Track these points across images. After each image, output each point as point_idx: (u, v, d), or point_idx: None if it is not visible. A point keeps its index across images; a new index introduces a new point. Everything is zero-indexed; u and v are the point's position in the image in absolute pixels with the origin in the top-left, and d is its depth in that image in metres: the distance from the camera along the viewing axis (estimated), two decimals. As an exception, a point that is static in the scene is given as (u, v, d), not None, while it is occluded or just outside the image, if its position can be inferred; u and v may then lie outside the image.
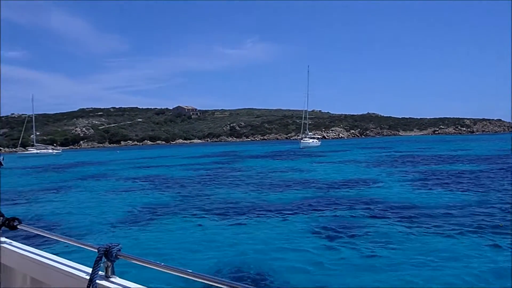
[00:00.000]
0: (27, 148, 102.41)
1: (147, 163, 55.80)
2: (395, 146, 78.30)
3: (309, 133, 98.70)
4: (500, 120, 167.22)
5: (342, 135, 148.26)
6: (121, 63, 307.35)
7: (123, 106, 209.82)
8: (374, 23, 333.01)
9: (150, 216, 18.10)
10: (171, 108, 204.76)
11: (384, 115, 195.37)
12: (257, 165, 45.58)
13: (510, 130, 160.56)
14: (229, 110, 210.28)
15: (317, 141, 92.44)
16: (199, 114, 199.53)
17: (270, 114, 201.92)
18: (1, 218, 3.17)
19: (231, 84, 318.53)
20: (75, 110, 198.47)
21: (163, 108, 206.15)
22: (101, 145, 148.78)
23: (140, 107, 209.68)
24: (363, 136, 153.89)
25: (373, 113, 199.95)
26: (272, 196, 22.81)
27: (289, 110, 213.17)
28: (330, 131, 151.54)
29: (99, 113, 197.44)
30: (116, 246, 2.25)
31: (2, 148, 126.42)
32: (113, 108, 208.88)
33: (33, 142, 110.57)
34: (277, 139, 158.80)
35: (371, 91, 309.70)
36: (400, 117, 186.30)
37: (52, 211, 20.98)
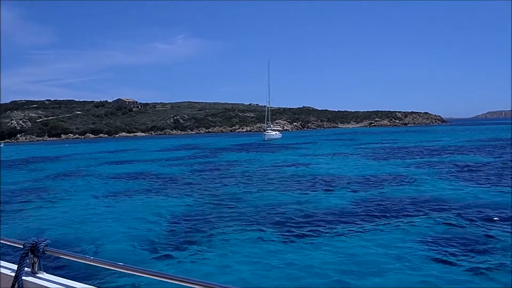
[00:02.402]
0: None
1: (118, 157, 48.86)
2: (358, 138, 75.80)
3: (271, 126, 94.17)
4: (427, 113, 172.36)
5: (287, 128, 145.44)
6: (46, 56, 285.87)
7: (58, 99, 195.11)
8: (311, 20, 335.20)
9: (195, 232, 13.28)
10: (110, 100, 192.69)
11: (319, 109, 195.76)
12: (246, 159, 40.73)
13: (438, 122, 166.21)
14: (169, 103, 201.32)
15: (279, 133, 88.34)
16: (140, 107, 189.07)
17: (211, 107, 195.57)
18: None
19: (165, 78, 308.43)
20: (7, 102, 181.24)
21: (102, 101, 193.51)
22: (41, 138, 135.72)
23: (76, 100, 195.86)
24: (305, 128, 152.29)
25: (309, 107, 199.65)
26: (321, 199, 18.16)
27: (228, 104, 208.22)
28: (275, 124, 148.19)
29: (34, 105, 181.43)
30: (43, 241, 2.12)
31: None
32: (48, 100, 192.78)
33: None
34: (222, 131, 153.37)
35: (305, 85, 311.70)
36: (335, 110, 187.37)
37: (63, 223, 15.18)
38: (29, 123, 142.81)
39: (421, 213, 14.38)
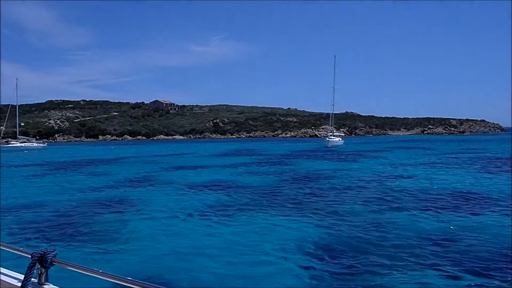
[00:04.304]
0: (8, 140, 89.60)
1: (178, 162, 46.37)
2: (430, 147, 71.39)
3: (334, 131, 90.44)
4: (484, 120, 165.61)
5: (328, 134, 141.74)
6: (85, 56, 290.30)
7: (93, 99, 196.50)
8: (350, 22, 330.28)
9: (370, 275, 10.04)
10: (147, 102, 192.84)
11: (364, 114, 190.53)
12: (329, 168, 37.43)
13: (497, 130, 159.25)
14: (206, 106, 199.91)
15: (341, 140, 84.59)
16: (177, 109, 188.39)
17: (250, 111, 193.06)
18: None
19: (201, 80, 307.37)
20: (43, 101, 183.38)
21: (138, 102, 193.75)
22: (78, 139, 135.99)
23: (112, 101, 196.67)
24: (352, 135, 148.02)
25: (353, 112, 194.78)
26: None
27: (267, 107, 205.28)
28: (321, 129, 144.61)
29: (69, 105, 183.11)
30: (52, 252, 2.13)
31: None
32: (83, 100, 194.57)
33: (8, 134, 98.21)
34: (264, 136, 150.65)
35: (348, 90, 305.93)
36: (382, 116, 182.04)
37: (157, 257, 12.10)
38: (66, 123, 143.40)
39: None
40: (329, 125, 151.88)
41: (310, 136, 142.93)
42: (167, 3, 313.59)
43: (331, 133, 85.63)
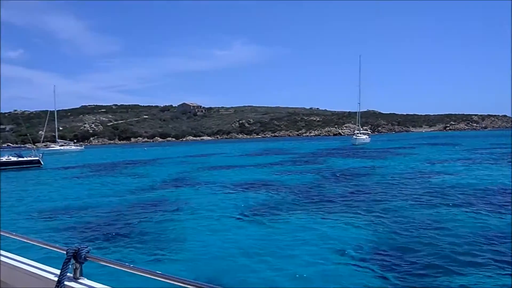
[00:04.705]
0: (47, 144, 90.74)
1: (213, 162, 45.81)
2: (458, 142, 69.30)
3: (361, 129, 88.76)
4: (505, 115, 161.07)
5: (355, 132, 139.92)
6: (113, 63, 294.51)
7: (124, 104, 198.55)
8: (371, 19, 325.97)
9: None
10: (174, 105, 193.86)
11: (384, 112, 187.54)
12: (363, 166, 36.31)
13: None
14: (232, 107, 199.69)
15: (368, 137, 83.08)
16: (204, 111, 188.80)
17: (274, 111, 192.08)
18: None
19: (225, 83, 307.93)
20: (77, 107, 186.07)
21: (167, 105, 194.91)
22: (112, 141, 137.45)
23: (142, 104, 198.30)
24: (375, 132, 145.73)
25: (374, 110, 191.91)
26: None
27: (290, 108, 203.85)
28: (345, 128, 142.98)
29: (102, 110, 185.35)
30: (85, 248, 2.16)
31: (11, 144, 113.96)
32: (115, 105, 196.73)
33: (40, 138, 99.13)
34: (288, 135, 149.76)
35: (368, 88, 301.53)
36: (403, 113, 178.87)
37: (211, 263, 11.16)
38: (100, 127, 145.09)
39: None
40: (351, 124, 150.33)
41: (334, 135, 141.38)
42: (189, 12, 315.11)
43: (357, 131, 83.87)
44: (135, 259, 11.17)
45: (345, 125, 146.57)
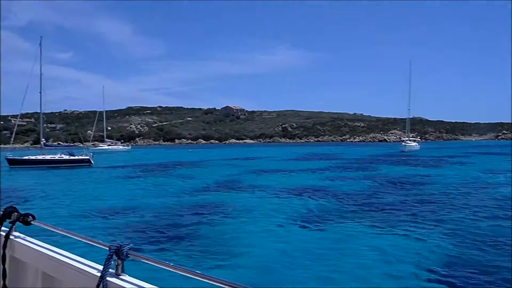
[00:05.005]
0: (95, 144, 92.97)
1: (260, 166, 45.07)
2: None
3: (410, 136, 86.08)
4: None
5: (404, 138, 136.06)
6: (158, 66, 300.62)
7: (168, 105, 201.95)
8: (417, 24, 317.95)
9: None
10: (218, 108, 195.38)
11: (431, 119, 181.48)
12: (422, 174, 34.51)
13: None
14: (274, 111, 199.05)
15: (417, 144, 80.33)
16: (246, 114, 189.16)
17: (316, 115, 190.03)
18: (16, 214, 3.07)
19: (268, 87, 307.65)
20: (123, 108, 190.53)
21: (210, 108, 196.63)
22: (157, 142, 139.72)
23: (185, 107, 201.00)
24: (422, 140, 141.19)
25: (419, 117, 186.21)
26: None
27: (333, 112, 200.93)
28: (390, 134, 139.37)
29: (147, 111, 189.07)
30: (127, 245, 2.17)
31: (61, 143, 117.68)
32: (160, 107, 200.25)
33: (89, 138, 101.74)
34: (332, 141, 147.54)
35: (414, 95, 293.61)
36: (451, 121, 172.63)
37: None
38: (146, 128, 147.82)
39: None
40: (397, 130, 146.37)
41: (379, 141, 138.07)
42: (232, 17, 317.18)
43: (406, 138, 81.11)
44: (184, 262, 10.72)
45: (391, 131, 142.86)
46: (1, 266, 3.10)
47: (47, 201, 22.27)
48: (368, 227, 14.93)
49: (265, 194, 23.96)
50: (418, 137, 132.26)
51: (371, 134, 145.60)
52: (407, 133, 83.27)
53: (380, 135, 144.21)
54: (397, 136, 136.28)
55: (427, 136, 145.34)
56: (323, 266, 10.60)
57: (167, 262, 2.04)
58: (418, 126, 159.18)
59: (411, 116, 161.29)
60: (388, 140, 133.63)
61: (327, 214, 17.69)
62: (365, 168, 40.62)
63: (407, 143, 75.88)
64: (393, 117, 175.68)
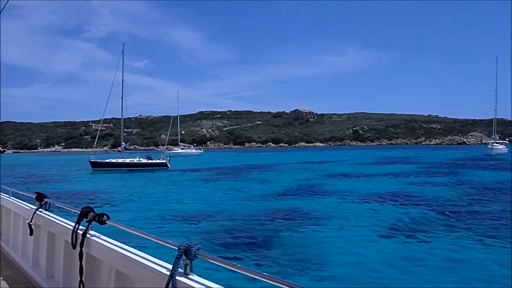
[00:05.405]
0: (168, 147, 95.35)
1: (338, 170, 43.24)
2: None
3: (497, 138, 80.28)
4: None
5: (486, 141, 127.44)
6: (227, 71, 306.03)
7: (238, 110, 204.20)
8: (491, 22, 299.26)
9: None
10: (287, 111, 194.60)
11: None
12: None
13: None
14: (345, 114, 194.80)
15: (505, 147, 74.62)
16: (316, 117, 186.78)
17: (388, 118, 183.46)
18: (92, 213, 3.21)
19: (337, 89, 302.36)
20: (195, 112, 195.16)
21: (279, 111, 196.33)
22: (227, 146, 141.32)
23: (255, 111, 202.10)
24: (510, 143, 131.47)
25: (502, 118, 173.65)
26: None
27: (406, 114, 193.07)
28: (470, 136, 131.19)
29: (217, 115, 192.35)
30: (195, 245, 2.23)
31: (137, 146, 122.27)
32: (229, 111, 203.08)
33: (164, 141, 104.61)
34: (406, 144, 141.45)
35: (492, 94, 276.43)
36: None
37: None
38: (217, 131, 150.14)
39: None
40: (478, 132, 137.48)
41: (458, 144, 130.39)
42: (300, 20, 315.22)
43: (493, 141, 75.41)
44: (264, 267, 10.02)
45: (471, 133, 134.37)
46: (78, 263, 3.24)
47: (131, 203, 22.27)
48: (481, 239, 13.11)
49: (346, 199, 22.46)
50: (506, 139, 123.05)
51: (449, 137, 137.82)
52: (494, 135, 77.34)
53: (458, 137, 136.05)
54: (478, 139, 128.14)
55: (511, 138, 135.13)
56: (427, 282, 9.19)
57: (234, 263, 2.02)
58: (501, 127, 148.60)
59: (491, 117, 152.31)
60: (467, 142, 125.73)
61: (427, 223, 15.92)
62: (454, 173, 37.67)
63: (494, 146, 70.41)
64: (471, 118, 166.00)
